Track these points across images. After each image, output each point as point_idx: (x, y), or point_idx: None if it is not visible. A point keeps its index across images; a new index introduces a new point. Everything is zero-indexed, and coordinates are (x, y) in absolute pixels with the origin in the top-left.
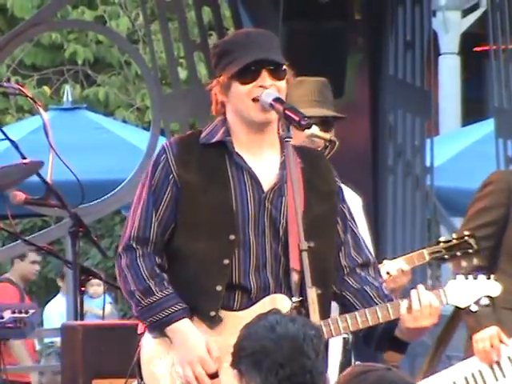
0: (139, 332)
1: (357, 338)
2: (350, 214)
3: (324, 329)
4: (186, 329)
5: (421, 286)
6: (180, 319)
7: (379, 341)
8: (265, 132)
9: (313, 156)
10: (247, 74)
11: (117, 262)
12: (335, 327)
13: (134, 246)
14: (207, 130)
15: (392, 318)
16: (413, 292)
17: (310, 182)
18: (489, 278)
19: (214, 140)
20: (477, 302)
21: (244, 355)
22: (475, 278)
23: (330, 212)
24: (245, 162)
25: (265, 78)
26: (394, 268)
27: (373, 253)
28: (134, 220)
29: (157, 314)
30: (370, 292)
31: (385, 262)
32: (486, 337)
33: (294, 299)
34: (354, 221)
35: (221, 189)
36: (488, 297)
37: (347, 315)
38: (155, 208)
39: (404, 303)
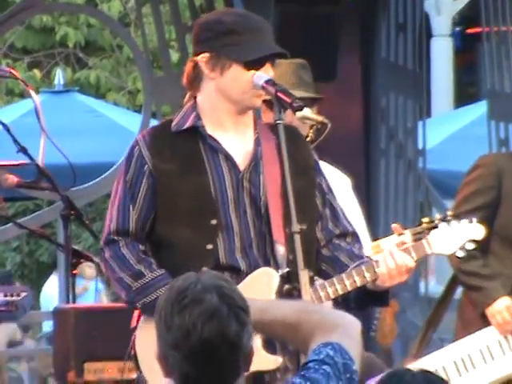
0: (132, 326)
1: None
2: (328, 186)
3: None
4: None
5: (393, 247)
6: None
7: (357, 299)
8: (246, 114)
9: (288, 131)
10: (254, 63)
11: (101, 255)
12: (317, 296)
13: (116, 238)
14: (177, 117)
15: (369, 281)
16: (386, 252)
17: (287, 157)
18: (471, 222)
19: (186, 126)
20: (462, 248)
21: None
22: (458, 223)
23: (308, 186)
24: (219, 144)
25: (268, 68)
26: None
27: (365, 226)
28: (112, 214)
29: (151, 294)
30: (342, 257)
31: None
32: (502, 308)
33: (281, 271)
34: (332, 193)
35: (197, 174)
36: (473, 241)
37: (326, 283)
38: (132, 201)
39: (380, 264)
